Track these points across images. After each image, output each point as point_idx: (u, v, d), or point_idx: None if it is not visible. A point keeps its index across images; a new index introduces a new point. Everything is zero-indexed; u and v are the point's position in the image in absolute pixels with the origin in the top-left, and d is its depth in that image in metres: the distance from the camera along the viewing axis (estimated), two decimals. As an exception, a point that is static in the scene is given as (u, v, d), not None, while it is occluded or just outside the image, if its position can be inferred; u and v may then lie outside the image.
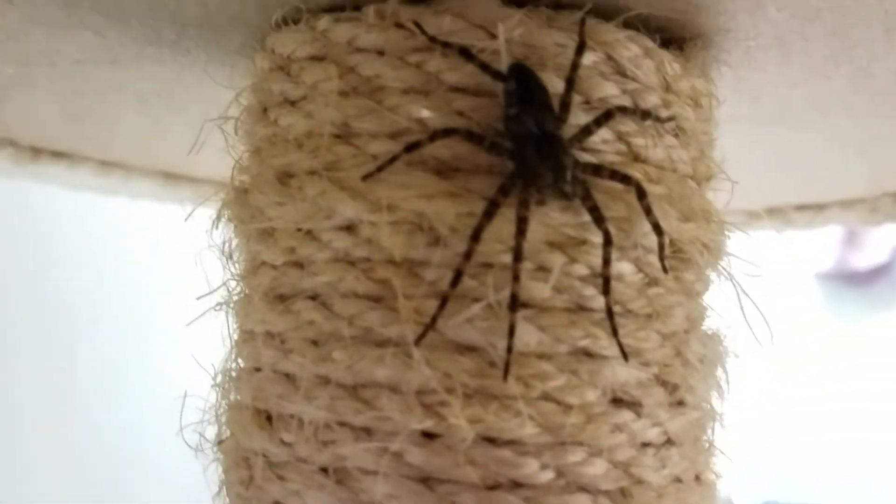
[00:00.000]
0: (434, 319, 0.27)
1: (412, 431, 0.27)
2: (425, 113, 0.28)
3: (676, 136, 0.31)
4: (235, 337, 0.35)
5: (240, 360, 0.34)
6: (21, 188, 0.68)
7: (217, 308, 0.35)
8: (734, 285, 0.33)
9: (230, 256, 0.35)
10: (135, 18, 0.34)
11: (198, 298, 0.36)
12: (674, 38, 0.32)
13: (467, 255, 0.26)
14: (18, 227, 0.75)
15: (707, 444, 0.33)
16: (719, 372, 0.34)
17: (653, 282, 0.30)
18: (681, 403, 0.30)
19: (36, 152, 0.63)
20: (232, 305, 0.35)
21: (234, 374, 0.34)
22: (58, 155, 0.64)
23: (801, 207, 0.74)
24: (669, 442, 0.30)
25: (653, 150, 0.30)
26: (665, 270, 0.29)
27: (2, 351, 0.71)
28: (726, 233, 0.33)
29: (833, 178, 0.66)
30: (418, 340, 0.27)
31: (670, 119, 0.30)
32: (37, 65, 0.42)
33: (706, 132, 0.33)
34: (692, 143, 0.32)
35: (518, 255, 0.26)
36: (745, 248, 0.35)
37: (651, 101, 0.30)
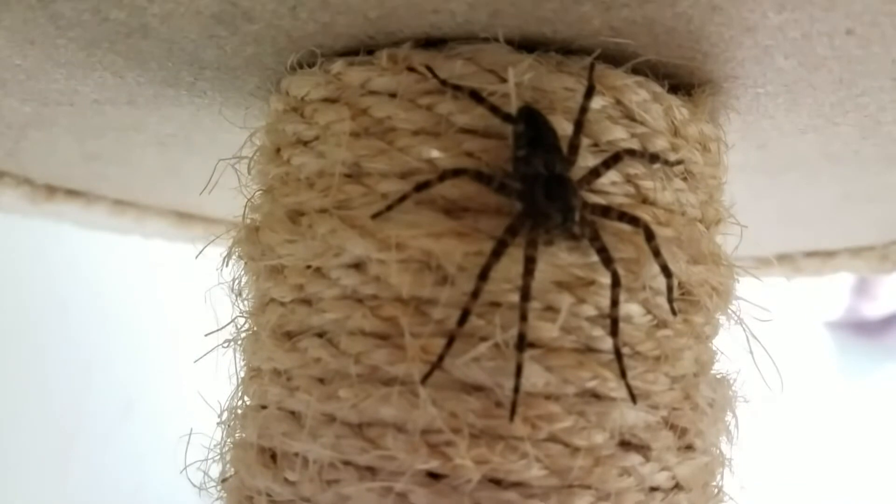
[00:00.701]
0: (440, 358, 0.27)
1: (417, 471, 0.27)
2: (435, 153, 0.28)
3: (685, 179, 0.31)
4: (242, 374, 0.35)
5: (246, 398, 0.34)
6: (30, 224, 0.69)
7: (225, 345, 0.35)
8: (744, 329, 0.33)
9: (239, 294, 0.35)
10: (153, 61, 0.35)
11: (206, 335, 0.36)
12: (682, 83, 0.33)
13: (475, 294, 0.26)
14: (26, 264, 0.75)
15: (716, 491, 0.32)
16: (728, 417, 0.34)
17: (661, 324, 0.30)
18: (689, 448, 0.30)
19: (51, 191, 0.64)
20: (240, 343, 0.35)
21: (240, 411, 0.34)
22: (73, 193, 0.65)
23: (811, 254, 0.74)
24: (678, 487, 0.30)
25: (661, 193, 0.30)
26: (674, 313, 0.29)
27: (7, 384, 0.71)
28: (735, 277, 0.33)
29: (842, 226, 0.66)
30: (424, 379, 0.27)
31: (679, 163, 0.31)
32: (56, 104, 0.43)
33: (715, 176, 0.34)
34: (701, 186, 0.32)
35: (526, 295, 0.26)
36: (754, 294, 0.35)
37: (659, 144, 0.30)
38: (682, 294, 0.30)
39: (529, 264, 0.26)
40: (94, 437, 0.76)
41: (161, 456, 0.42)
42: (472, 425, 0.27)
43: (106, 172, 0.59)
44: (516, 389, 0.26)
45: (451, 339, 0.27)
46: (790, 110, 0.35)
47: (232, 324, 0.35)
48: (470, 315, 0.26)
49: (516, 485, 0.27)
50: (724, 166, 0.35)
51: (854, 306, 1.40)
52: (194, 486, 0.35)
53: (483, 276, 0.26)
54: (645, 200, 0.30)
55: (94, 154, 0.54)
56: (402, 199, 0.28)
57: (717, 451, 0.32)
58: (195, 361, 0.37)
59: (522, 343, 0.26)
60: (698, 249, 0.31)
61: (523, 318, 0.26)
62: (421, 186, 0.27)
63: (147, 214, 0.70)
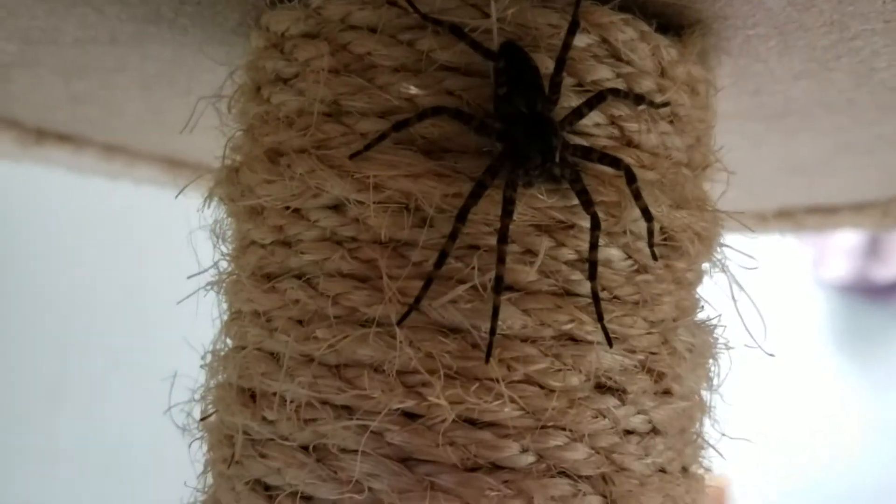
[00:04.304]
0: (418, 300, 0.26)
1: (393, 411, 0.27)
2: (414, 91, 0.27)
3: (671, 122, 0.31)
4: (225, 317, 0.35)
5: (228, 340, 0.34)
6: (17, 170, 0.69)
7: (207, 288, 0.35)
8: (727, 277, 0.33)
9: (221, 236, 0.35)
10: (134, -4, 0.34)
11: (188, 278, 0.36)
12: (672, 23, 0.32)
13: (452, 237, 0.26)
14: (12, 211, 0.75)
15: (695, 437, 0.32)
16: (710, 364, 0.33)
17: (642, 269, 0.29)
18: (667, 392, 0.30)
19: (41, 135, 0.63)
20: (222, 285, 0.34)
21: (222, 353, 0.34)
22: (63, 138, 0.65)
23: (812, 210, 0.73)
24: (654, 431, 0.30)
25: (646, 136, 0.30)
26: (655, 257, 0.29)
27: None
28: (721, 223, 0.33)
29: (843, 180, 0.66)
30: (401, 321, 0.26)
31: (665, 105, 0.30)
32: (39, 43, 0.42)
33: (703, 120, 0.33)
34: (687, 130, 0.32)
35: (503, 238, 0.26)
36: (758, 252, 0.35)
37: (646, 85, 0.30)
38: (664, 239, 0.30)
39: (508, 206, 0.26)
40: (83, 380, 0.77)
41: (147, 398, 0.42)
42: (447, 366, 0.26)
43: (92, 115, 0.58)
44: (492, 332, 0.26)
45: (428, 282, 0.26)
46: (782, 54, 0.34)
47: (214, 266, 0.35)
48: (448, 257, 0.26)
49: (491, 424, 0.27)
50: (712, 110, 0.34)
51: (863, 269, 1.38)
52: (178, 426, 0.35)
53: (461, 218, 0.26)
54: (629, 143, 0.30)
55: (79, 96, 0.53)
56: (381, 138, 0.27)
57: (697, 398, 0.32)
58: (178, 303, 0.37)
59: (500, 286, 0.26)
60: (682, 194, 0.30)
61: (501, 260, 0.26)
62: (399, 125, 0.27)
63: (137, 160, 0.69)
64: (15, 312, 0.74)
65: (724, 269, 0.33)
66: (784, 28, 0.32)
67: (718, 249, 0.33)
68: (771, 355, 0.31)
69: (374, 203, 0.27)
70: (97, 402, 0.77)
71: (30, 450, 0.74)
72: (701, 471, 0.33)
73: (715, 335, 0.33)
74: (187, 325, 0.39)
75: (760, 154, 0.56)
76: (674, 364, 0.30)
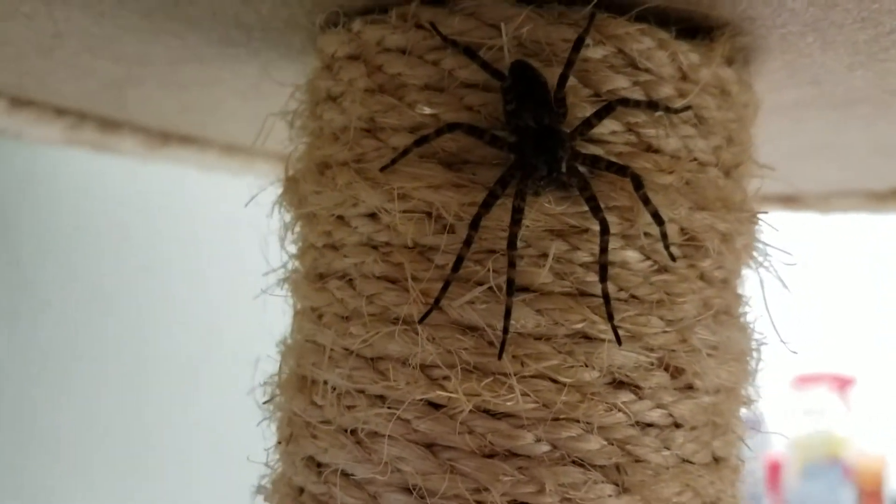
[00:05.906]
0: (437, 301, 0.29)
1: (418, 401, 0.29)
2: (427, 110, 0.30)
3: (695, 125, 0.32)
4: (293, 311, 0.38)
5: (294, 331, 0.38)
6: (106, 165, 0.75)
7: (278, 285, 0.39)
8: (758, 275, 0.33)
9: (292, 238, 0.39)
10: (205, 23, 0.38)
11: (264, 274, 0.40)
12: (701, 27, 0.32)
13: (467, 242, 0.28)
14: (103, 204, 0.82)
15: (726, 429, 0.33)
16: (750, 361, 0.34)
17: (662, 269, 0.30)
18: (689, 387, 0.31)
19: (166, 137, 0.70)
20: (290, 283, 0.38)
21: (289, 343, 0.37)
22: (186, 139, 0.71)
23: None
24: (675, 424, 0.31)
25: (665, 140, 0.31)
26: (672, 258, 0.30)
27: (93, 321, 0.79)
28: (754, 220, 0.33)
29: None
30: (422, 320, 0.29)
31: (685, 109, 0.31)
32: (140, 64, 0.47)
33: (735, 119, 0.33)
34: (715, 131, 0.32)
35: (512, 244, 0.28)
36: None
37: (664, 91, 0.31)
38: (687, 239, 0.31)
39: (516, 214, 0.28)
40: (219, 356, 0.85)
41: (236, 380, 0.47)
42: (465, 361, 0.29)
43: (204, 120, 0.64)
44: (505, 330, 0.28)
45: (446, 284, 0.29)
46: (825, 49, 0.34)
47: (283, 266, 0.39)
48: (463, 261, 0.28)
49: (506, 415, 0.29)
50: (752, 107, 0.35)
51: None
52: (259, 406, 0.40)
53: (474, 225, 0.28)
54: (648, 148, 0.31)
55: (188, 105, 0.59)
56: (405, 153, 0.30)
57: (730, 392, 0.33)
58: (254, 298, 0.41)
59: (511, 288, 0.28)
60: (704, 195, 0.31)
61: (511, 265, 0.28)
62: (420, 141, 0.29)
63: (254, 157, 0.75)
64: (112, 308, 0.81)
65: (759, 266, 0.34)
66: (816, 25, 0.31)
67: (757, 245, 0.34)
68: (792, 351, 0.31)
69: (400, 212, 0.30)
70: (194, 381, 0.85)
71: (123, 422, 0.82)
72: (736, 461, 0.34)
73: (753, 334, 0.34)
74: (272, 316, 0.44)
75: (847, 138, 0.54)
76: (693, 360, 0.30)
